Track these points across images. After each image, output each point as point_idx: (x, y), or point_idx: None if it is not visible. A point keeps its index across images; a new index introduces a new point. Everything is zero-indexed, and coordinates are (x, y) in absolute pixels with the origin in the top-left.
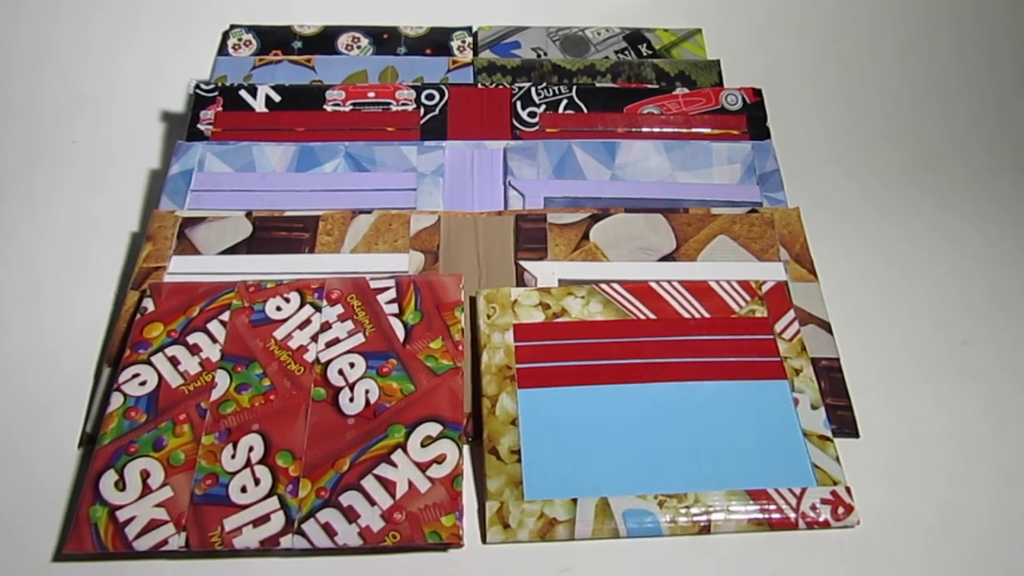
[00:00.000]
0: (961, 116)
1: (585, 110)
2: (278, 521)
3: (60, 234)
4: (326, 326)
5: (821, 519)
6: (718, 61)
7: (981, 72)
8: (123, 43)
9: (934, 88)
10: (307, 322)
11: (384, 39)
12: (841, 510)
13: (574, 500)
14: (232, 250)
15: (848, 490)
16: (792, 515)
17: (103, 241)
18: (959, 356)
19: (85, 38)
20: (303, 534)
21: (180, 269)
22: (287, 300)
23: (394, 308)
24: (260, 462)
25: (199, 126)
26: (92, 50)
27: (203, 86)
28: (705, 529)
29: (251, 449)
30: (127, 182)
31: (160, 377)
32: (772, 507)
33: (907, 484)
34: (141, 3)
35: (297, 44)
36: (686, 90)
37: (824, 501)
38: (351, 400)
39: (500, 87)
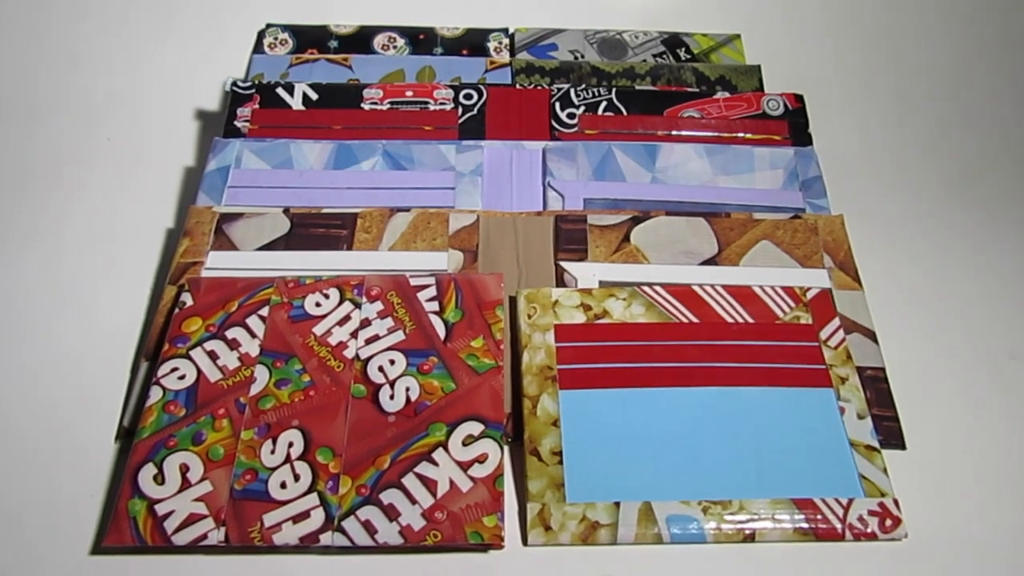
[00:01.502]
0: (1007, 124)
1: (625, 112)
2: (318, 518)
3: (95, 229)
4: (366, 323)
5: (868, 531)
6: (759, 67)
7: None
8: (159, 41)
9: (978, 95)
10: (347, 318)
11: (420, 39)
12: (888, 522)
13: (616, 504)
14: (270, 246)
15: (896, 502)
16: (839, 526)
17: (138, 237)
18: (1006, 371)
19: (121, 36)
20: (343, 531)
21: (217, 264)
22: (326, 296)
23: (434, 306)
24: (300, 458)
25: (236, 123)
26: (128, 48)
27: (240, 83)
28: (750, 537)
29: (291, 445)
30: (162, 179)
31: (199, 371)
32: (819, 517)
33: (955, 498)
34: (177, 2)
35: (333, 43)
36: (727, 94)
37: (872, 513)
38: (391, 397)
39: (539, 88)
